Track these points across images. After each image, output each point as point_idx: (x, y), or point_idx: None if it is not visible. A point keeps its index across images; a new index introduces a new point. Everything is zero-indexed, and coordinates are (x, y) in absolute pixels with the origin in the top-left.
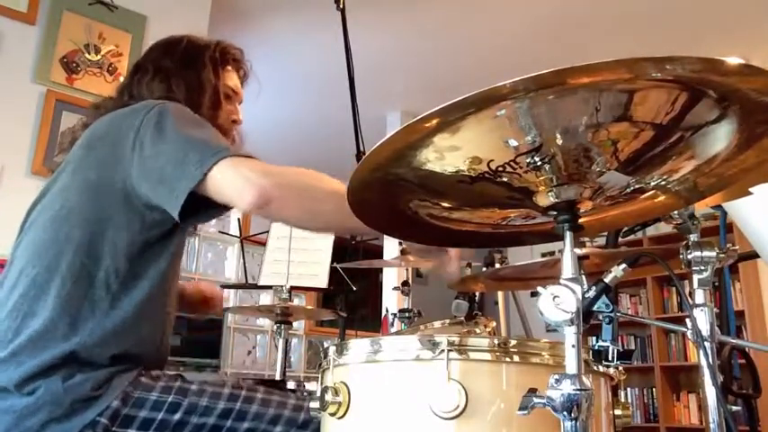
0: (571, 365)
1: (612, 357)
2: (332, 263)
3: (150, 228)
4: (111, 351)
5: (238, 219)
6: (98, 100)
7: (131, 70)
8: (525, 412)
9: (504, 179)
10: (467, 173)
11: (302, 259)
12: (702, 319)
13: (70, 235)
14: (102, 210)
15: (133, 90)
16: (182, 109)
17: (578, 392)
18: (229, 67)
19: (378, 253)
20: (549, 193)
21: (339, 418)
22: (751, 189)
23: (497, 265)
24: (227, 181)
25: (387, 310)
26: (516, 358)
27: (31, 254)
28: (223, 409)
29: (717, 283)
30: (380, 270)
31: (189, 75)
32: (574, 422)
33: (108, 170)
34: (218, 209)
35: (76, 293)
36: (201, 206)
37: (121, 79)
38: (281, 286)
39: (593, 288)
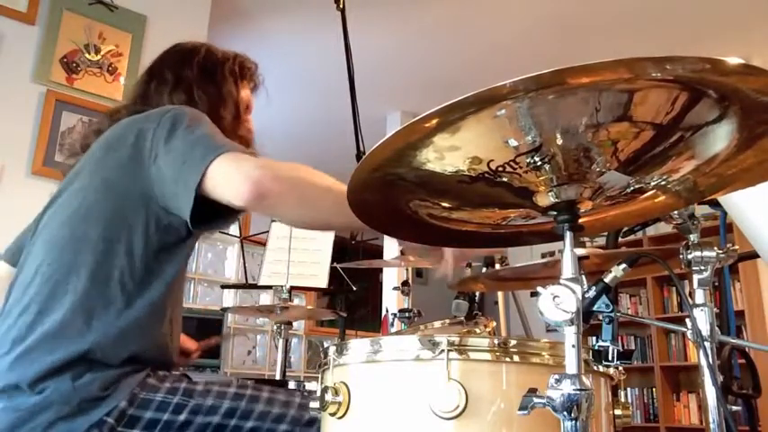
0: (571, 365)
1: (612, 357)
2: (332, 263)
3: (166, 230)
4: (124, 351)
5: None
6: (113, 107)
7: (145, 77)
8: (525, 412)
9: (504, 179)
10: (467, 173)
11: (302, 259)
12: (702, 319)
13: (87, 234)
14: (119, 210)
15: (152, 99)
16: (196, 113)
17: (578, 392)
18: (245, 80)
19: (378, 253)
20: (549, 193)
21: (339, 417)
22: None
23: (497, 266)
24: (223, 176)
25: (387, 310)
26: (516, 358)
27: (47, 251)
28: (228, 408)
29: (717, 283)
30: (380, 270)
31: (210, 87)
32: (574, 422)
33: (126, 171)
34: (226, 216)
35: (92, 292)
36: (212, 213)
37: (122, 80)
38: (281, 286)
39: (593, 288)
